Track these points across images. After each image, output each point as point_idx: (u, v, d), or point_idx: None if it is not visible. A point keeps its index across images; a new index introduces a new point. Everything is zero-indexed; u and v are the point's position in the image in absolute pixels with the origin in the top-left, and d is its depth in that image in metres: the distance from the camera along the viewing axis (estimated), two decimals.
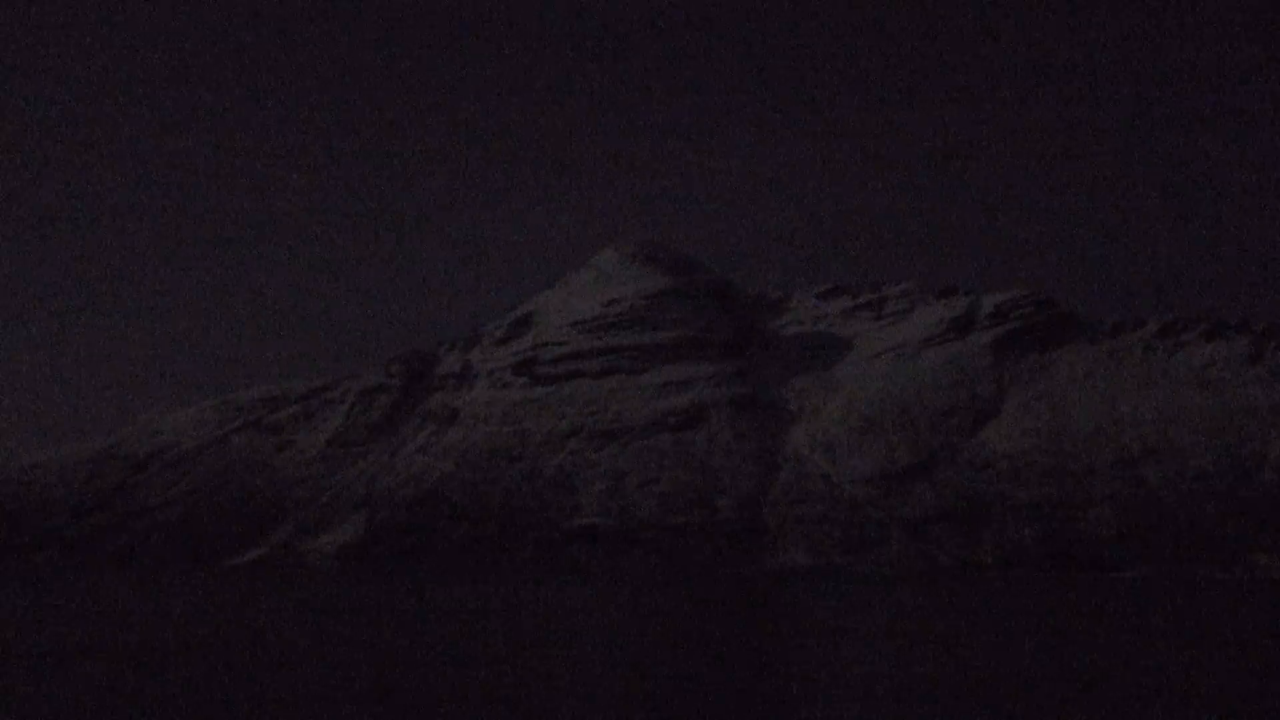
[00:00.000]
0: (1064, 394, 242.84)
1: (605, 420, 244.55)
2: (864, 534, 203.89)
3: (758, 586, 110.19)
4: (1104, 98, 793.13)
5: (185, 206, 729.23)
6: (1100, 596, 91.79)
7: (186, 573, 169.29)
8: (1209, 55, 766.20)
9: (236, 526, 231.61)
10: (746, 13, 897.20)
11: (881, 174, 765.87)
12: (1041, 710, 24.05)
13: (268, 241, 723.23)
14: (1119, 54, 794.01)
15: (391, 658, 32.99)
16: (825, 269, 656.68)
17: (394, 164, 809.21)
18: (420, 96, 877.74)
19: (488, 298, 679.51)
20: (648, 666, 31.65)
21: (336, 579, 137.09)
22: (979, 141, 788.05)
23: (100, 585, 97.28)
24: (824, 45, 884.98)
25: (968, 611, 63.71)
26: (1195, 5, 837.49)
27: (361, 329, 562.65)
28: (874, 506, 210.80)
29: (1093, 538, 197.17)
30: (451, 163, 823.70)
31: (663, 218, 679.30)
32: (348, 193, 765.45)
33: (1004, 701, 25.02)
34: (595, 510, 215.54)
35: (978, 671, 31.37)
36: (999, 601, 79.39)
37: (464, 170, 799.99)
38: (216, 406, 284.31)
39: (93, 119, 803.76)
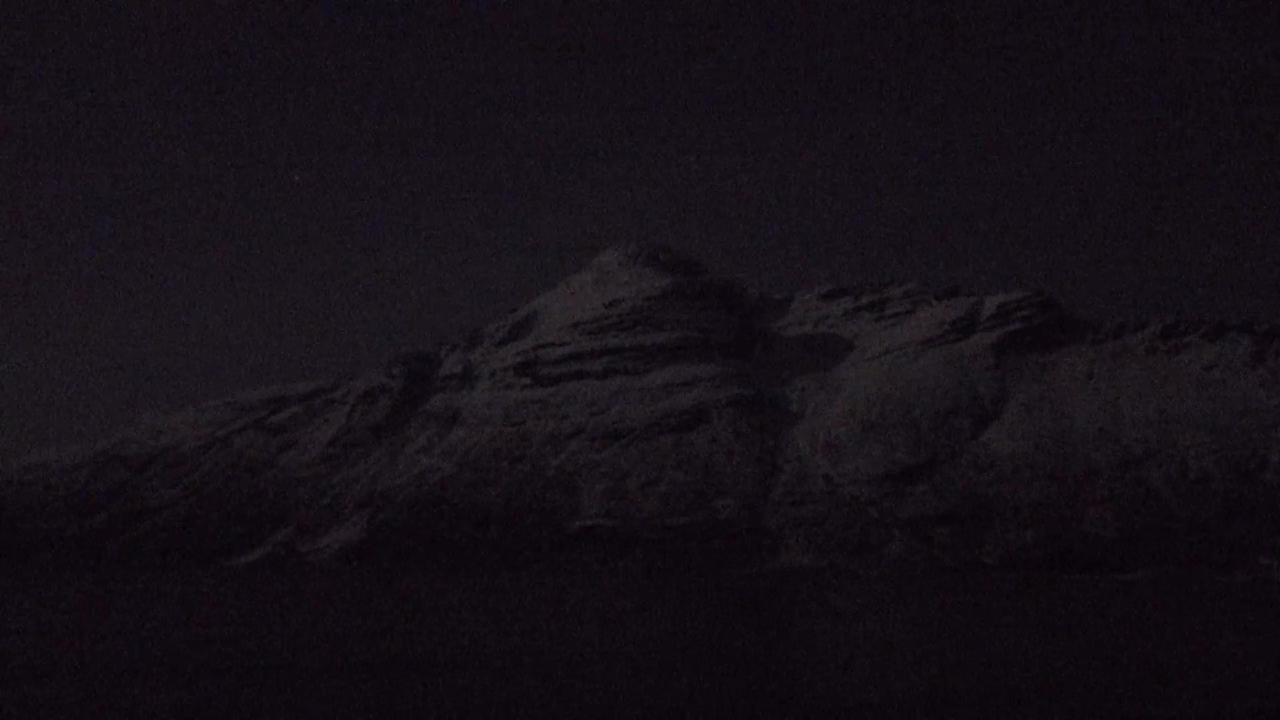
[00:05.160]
0: (1066, 395, 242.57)
1: (607, 421, 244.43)
2: (865, 535, 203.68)
3: (759, 587, 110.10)
4: (1106, 99, 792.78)
5: (186, 207, 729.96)
6: (1102, 599, 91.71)
7: (188, 574, 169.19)
8: (1211, 57, 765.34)
9: (238, 527, 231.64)
10: (748, 16, 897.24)
11: (882, 174, 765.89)
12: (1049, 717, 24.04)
13: (269, 242, 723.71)
14: (1121, 55, 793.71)
15: (394, 662, 32.96)
16: (827, 270, 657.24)
17: (395, 164, 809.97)
18: (422, 97, 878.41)
19: (489, 298, 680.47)
20: (646, 668, 31.64)
21: (338, 579, 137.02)
22: (980, 142, 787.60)
23: (103, 588, 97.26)
24: (825, 47, 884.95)
25: (970, 615, 63.69)
26: (1197, 8, 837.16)
27: (363, 330, 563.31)
28: (875, 507, 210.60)
29: (1094, 539, 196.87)
30: (453, 163, 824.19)
31: (664, 218, 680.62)
32: (349, 194, 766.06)
33: (1008, 707, 25.03)
34: (597, 511, 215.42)
35: (982, 678, 31.34)
36: (1001, 604, 79.34)
37: (465, 171, 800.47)
38: (218, 407, 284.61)
39: (94, 121, 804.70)
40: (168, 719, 21.21)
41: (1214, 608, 76.45)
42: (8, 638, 39.02)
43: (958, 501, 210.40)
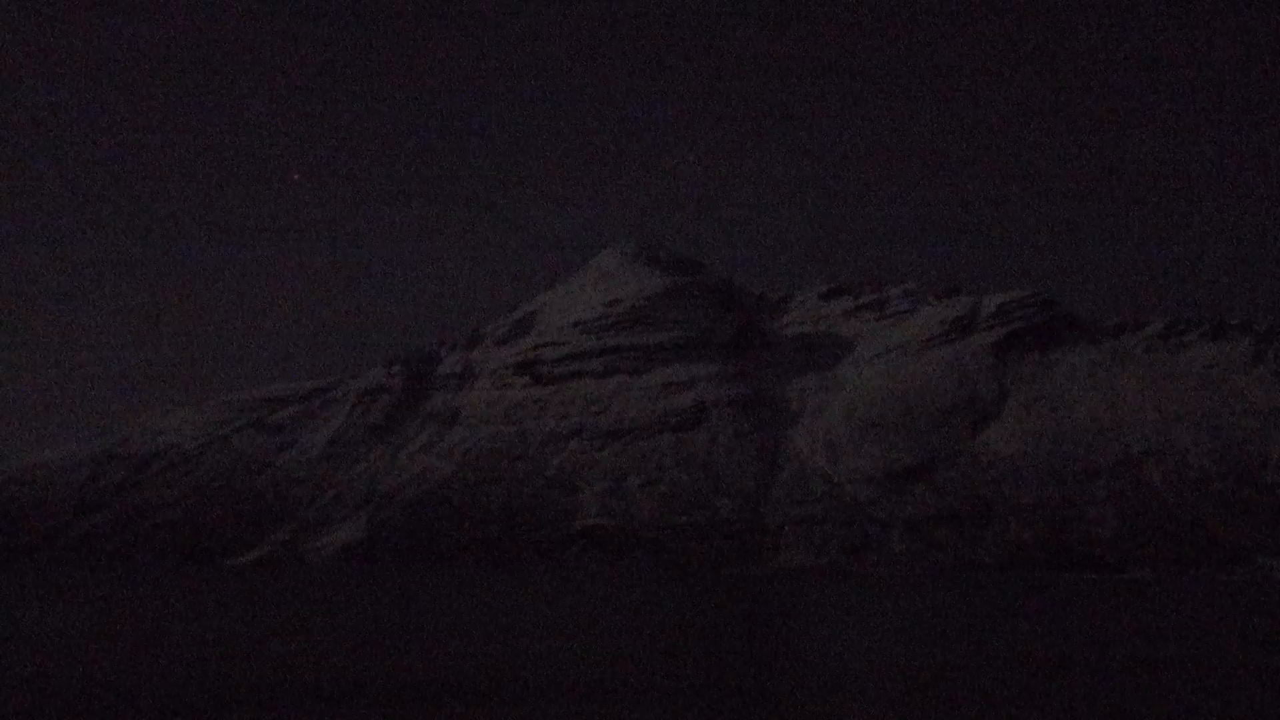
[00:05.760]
0: (1066, 394, 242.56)
1: (606, 420, 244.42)
2: (865, 534, 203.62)
3: (759, 588, 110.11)
4: (1106, 98, 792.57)
5: (185, 207, 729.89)
6: (1102, 598, 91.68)
7: (188, 573, 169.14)
8: (1210, 56, 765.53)
9: (238, 526, 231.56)
10: (748, 14, 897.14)
11: (882, 174, 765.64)
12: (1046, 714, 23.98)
13: (270, 242, 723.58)
14: (1120, 55, 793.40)
15: (394, 686, 32.94)
16: (827, 269, 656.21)
17: (395, 164, 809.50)
18: (421, 98, 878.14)
19: (488, 298, 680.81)
20: (646, 669, 31.59)
21: (337, 580, 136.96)
22: (980, 141, 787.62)
23: (102, 589, 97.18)
24: (826, 46, 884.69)
25: (972, 617, 63.69)
26: (1196, 7, 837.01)
27: (363, 329, 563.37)
28: (875, 507, 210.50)
29: (1094, 539, 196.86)
30: (452, 163, 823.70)
31: (664, 218, 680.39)
32: (349, 194, 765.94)
33: (1010, 706, 24.98)
34: (596, 510, 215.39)
35: (984, 679, 31.35)
36: (1002, 604, 79.30)
37: (465, 171, 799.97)
38: (218, 406, 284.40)
39: (94, 121, 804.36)
40: None
41: (1214, 607, 76.43)
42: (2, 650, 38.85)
43: (957, 501, 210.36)
